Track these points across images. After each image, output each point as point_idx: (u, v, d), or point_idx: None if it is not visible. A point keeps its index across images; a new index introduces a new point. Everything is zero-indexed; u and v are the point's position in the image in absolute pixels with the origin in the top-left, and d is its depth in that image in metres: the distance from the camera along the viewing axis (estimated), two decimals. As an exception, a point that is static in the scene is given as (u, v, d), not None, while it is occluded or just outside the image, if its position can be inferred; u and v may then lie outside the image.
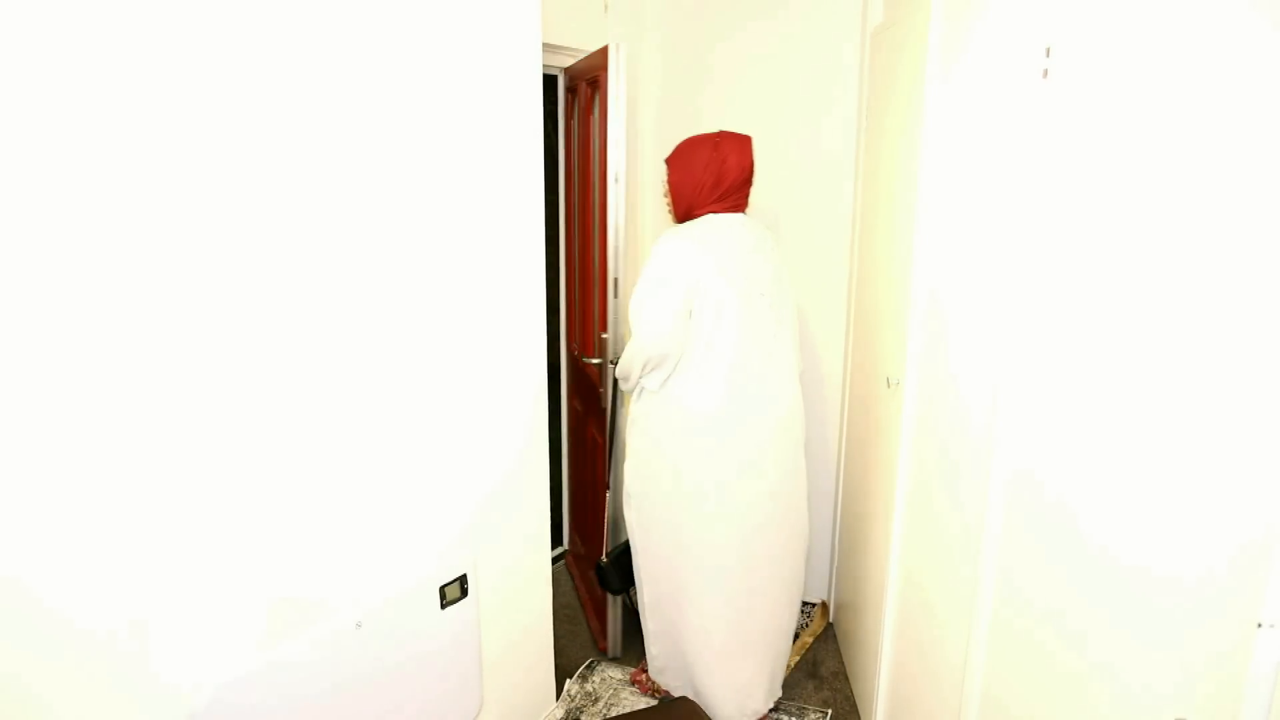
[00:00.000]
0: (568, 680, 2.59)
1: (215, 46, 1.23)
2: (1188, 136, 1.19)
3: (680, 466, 2.22)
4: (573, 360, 3.16)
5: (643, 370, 2.20)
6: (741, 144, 2.25)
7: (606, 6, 2.80)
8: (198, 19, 1.20)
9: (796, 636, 2.88)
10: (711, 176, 2.21)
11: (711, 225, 2.22)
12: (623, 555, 2.49)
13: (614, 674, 2.65)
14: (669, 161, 2.30)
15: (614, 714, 2.46)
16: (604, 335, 2.52)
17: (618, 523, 2.57)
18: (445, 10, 1.64)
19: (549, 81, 2.85)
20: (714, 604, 2.26)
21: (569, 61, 2.89)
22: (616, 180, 2.39)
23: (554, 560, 3.06)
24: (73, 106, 1.07)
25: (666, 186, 2.32)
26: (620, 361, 2.26)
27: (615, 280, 2.45)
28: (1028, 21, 1.45)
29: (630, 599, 2.54)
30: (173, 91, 1.18)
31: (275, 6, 1.31)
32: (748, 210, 2.34)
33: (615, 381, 2.45)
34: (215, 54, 1.23)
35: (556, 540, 3.50)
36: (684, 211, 2.29)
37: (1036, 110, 1.42)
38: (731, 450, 2.20)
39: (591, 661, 2.70)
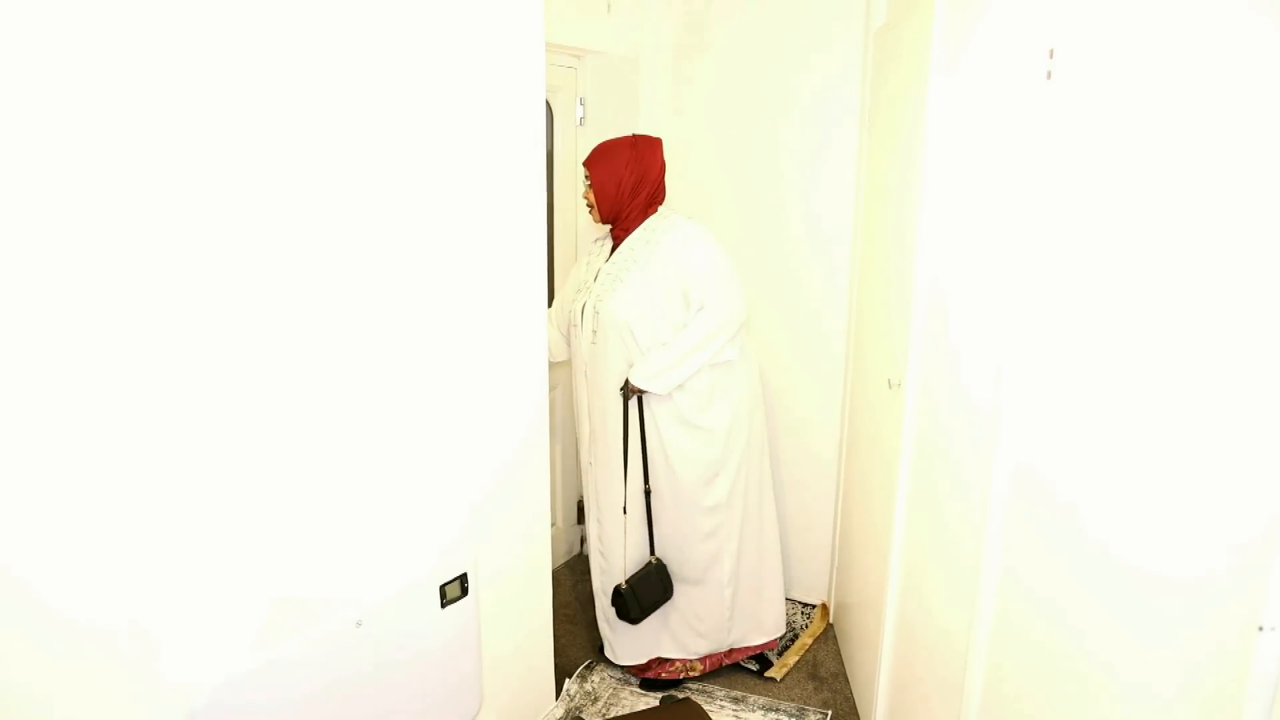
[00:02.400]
0: (567, 680, 2.59)
1: (224, 52, 1.23)
2: (1189, 136, 1.18)
3: (761, 404, 2.58)
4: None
5: (723, 344, 2.35)
6: (654, 145, 2.42)
7: (609, 6, 2.80)
8: (207, 28, 1.20)
9: (796, 637, 2.89)
10: (634, 176, 2.36)
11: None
12: (644, 580, 2.42)
13: (614, 673, 2.65)
14: (589, 164, 2.40)
15: (613, 714, 2.46)
16: None
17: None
18: (449, 11, 1.64)
19: (551, 81, 2.84)
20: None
21: (573, 62, 2.88)
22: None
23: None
24: (77, 107, 1.07)
25: (587, 187, 2.41)
26: (671, 366, 2.31)
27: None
28: (1031, 23, 1.45)
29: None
30: (185, 95, 1.18)
31: (277, 6, 1.31)
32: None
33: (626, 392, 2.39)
34: (225, 60, 1.23)
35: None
36: (609, 211, 2.40)
37: (1040, 111, 1.42)
38: None
39: (591, 661, 2.70)
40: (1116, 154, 1.29)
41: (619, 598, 2.42)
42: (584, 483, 2.60)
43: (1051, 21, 1.39)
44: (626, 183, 2.36)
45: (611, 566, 2.51)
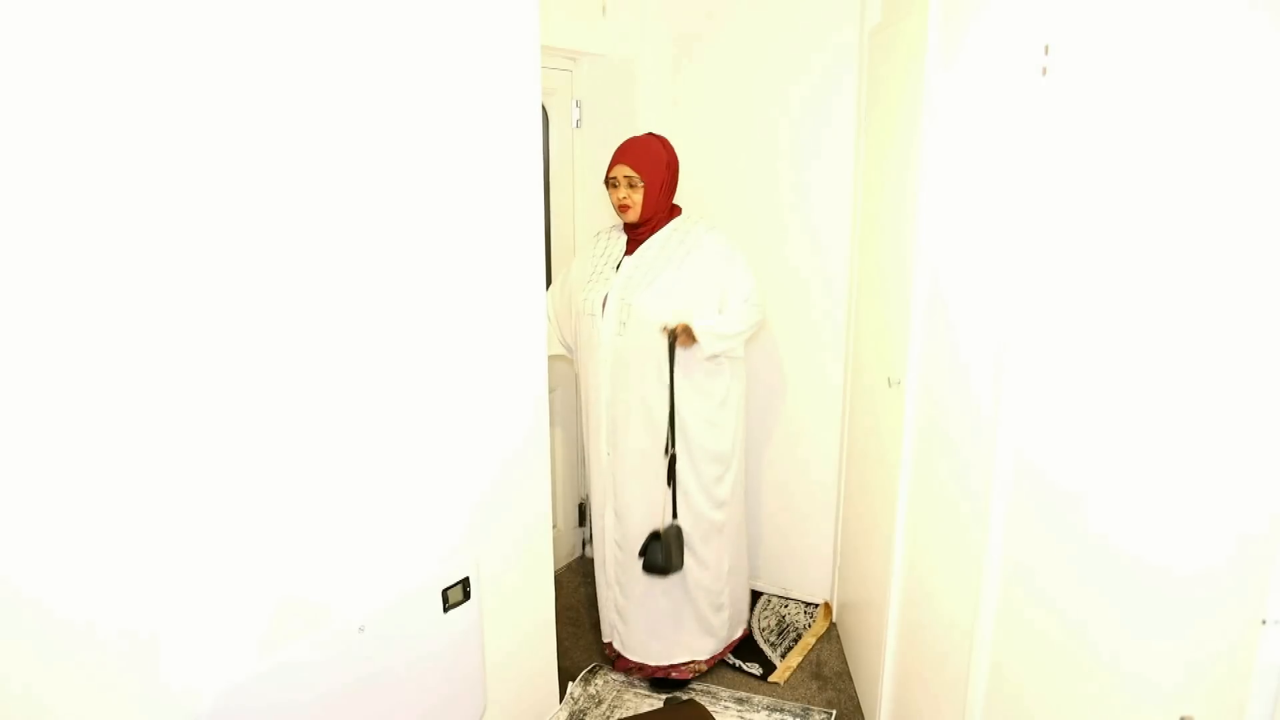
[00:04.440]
0: (571, 683, 2.58)
1: (226, 56, 1.23)
2: (1184, 130, 1.19)
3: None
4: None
5: (746, 340, 2.46)
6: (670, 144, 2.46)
7: (604, 8, 2.80)
8: (210, 34, 1.20)
9: (799, 637, 2.88)
10: (671, 174, 2.40)
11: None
12: (674, 535, 2.41)
13: (617, 676, 2.65)
14: (638, 163, 2.32)
15: (617, 716, 2.45)
16: None
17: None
18: (446, 15, 1.64)
19: (547, 84, 2.84)
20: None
21: (568, 64, 2.89)
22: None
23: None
24: (77, 107, 1.07)
25: (629, 188, 2.34)
26: (728, 337, 2.37)
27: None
28: (1026, 20, 1.45)
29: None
30: (190, 100, 1.18)
31: (275, 7, 1.31)
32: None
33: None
34: (227, 64, 1.24)
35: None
36: (652, 210, 2.38)
37: (1036, 107, 1.42)
38: None
39: (595, 665, 2.70)
40: (1112, 149, 1.30)
41: (654, 539, 2.38)
42: (596, 474, 2.54)
43: (1047, 18, 1.40)
44: (667, 182, 2.38)
45: (630, 544, 2.48)
